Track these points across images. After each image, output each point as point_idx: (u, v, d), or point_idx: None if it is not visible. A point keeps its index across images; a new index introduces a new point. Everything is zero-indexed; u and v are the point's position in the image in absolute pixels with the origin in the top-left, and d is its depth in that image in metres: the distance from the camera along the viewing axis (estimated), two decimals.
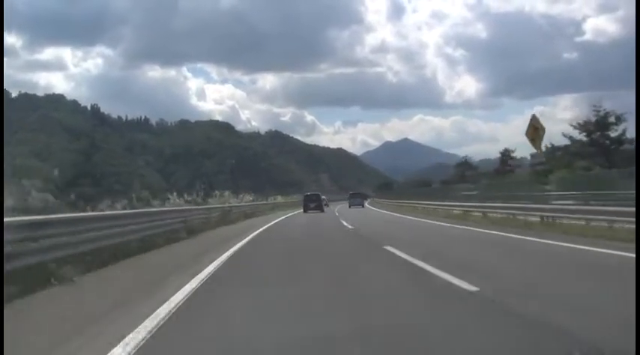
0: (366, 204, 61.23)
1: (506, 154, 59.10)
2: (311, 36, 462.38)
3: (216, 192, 35.87)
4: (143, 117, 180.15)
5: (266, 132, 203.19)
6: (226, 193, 36.72)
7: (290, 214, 37.47)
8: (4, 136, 8.88)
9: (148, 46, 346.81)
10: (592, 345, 3.84)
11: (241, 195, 41.93)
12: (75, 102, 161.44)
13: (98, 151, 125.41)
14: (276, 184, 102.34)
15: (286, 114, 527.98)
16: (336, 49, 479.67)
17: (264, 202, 48.93)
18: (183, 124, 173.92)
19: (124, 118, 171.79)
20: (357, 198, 60.32)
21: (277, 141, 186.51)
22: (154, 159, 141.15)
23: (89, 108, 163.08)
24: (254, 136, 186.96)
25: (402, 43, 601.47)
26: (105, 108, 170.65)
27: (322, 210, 42.03)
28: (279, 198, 59.31)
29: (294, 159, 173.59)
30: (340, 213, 36.53)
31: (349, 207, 55.17)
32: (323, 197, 50.08)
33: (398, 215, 33.11)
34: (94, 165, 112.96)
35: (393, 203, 52.03)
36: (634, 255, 8.11)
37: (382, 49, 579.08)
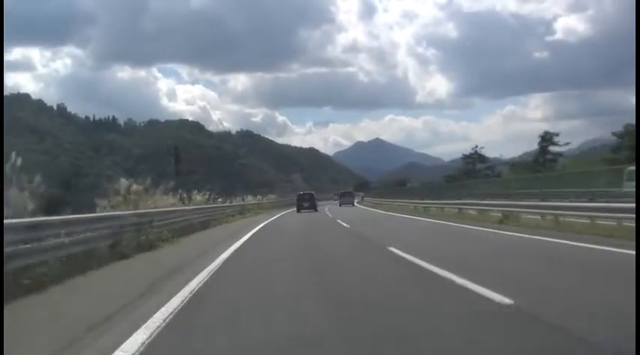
0: (355, 203, 63.12)
1: (547, 139, 57.53)
2: (282, 36, 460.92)
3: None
4: (111, 117, 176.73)
5: (237, 132, 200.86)
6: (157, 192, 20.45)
7: (265, 223, 25.86)
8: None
9: (118, 47, 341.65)
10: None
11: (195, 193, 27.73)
12: (40, 102, 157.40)
13: (64, 152, 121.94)
14: (248, 184, 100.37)
15: (258, 114, 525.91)
16: (307, 48, 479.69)
17: (227, 204, 34.57)
18: (153, 124, 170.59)
19: (91, 118, 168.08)
20: (347, 197, 62.48)
21: (248, 141, 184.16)
22: (122, 160, 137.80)
23: (55, 107, 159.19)
24: (225, 136, 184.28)
25: (374, 43, 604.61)
26: (73, 109, 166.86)
27: (316, 210, 41.77)
28: (250, 199, 47.88)
29: (265, 159, 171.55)
30: (341, 217, 28.57)
31: (340, 205, 56.81)
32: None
33: (429, 220, 23.53)
34: (59, 166, 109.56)
35: (394, 203, 45.70)
36: None
37: (353, 48, 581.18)
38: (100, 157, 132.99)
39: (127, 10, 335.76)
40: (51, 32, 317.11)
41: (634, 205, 10.68)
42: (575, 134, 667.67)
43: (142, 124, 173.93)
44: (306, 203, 43.42)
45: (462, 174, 68.96)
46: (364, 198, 74.42)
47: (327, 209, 43.68)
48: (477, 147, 73.21)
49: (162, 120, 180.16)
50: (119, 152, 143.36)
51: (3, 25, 8.15)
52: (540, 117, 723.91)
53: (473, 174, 66.99)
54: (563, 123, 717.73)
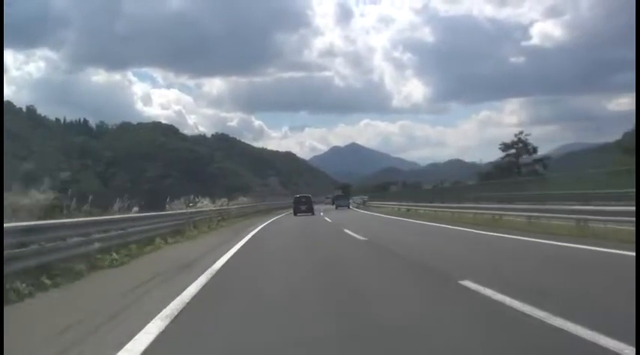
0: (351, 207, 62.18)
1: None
2: (258, 40, 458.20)
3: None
4: (82, 120, 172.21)
5: (212, 135, 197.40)
6: None
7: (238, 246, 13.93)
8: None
9: (93, 50, 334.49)
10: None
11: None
12: (9, 103, 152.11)
13: (32, 154, 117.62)
14: (224, 188, 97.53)
15: (234, 119, 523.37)
16: (283, 53, 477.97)
17: (179, 212, 20.96)
18: (125, 127, 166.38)
19: (62, 121, 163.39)
20: (343, 200, 62.02)
21: (224, 145, 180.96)
22: (92, 163, 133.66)
23: (24, 109, 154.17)
24: (200, 140, 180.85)
25: (350, 48, 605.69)
26: (45, 112, 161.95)
27: (312, 213, 41.26)
28: (207, 204, 30.46)
29: (242, 163, 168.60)
30: (355, 229, 19.08)
31: (336, 208, 56.84)
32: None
33: (476, 231, 16.54)
34: (27, 168, 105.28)
35: (402, 207, 39.57)
36: None
37: (330, 53, 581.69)
38: (70, 161, 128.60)
39: (101, 13, 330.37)
40: (24, 35, 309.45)
41: None
42: (550, 139, 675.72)
43: (114, 127, 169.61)
44: (303, 206, 42.40)
45: (504, 171, 54.26)
46: (366, 202, 62.95)
47: (322, 213, 40.17)
48: (521, 133, 58.17)
49: (135, 122, 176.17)
50: (90, 155, 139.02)
51: (3, 26, 8.06)
52: (516, 122, 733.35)
53: (516, 170, 54.35)
54: (538, 129, 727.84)
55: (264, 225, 25.73)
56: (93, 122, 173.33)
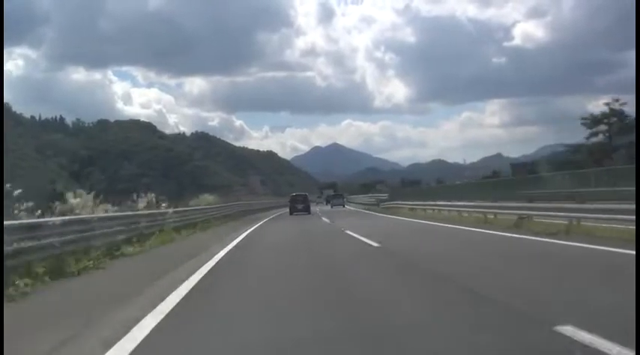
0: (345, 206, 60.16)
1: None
2: (239, 39, 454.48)
3: None
4: (58, 117, 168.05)
5: (192, 134, 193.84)
6: None
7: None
8: None
9: (73, 48, 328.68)
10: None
11: None
12: None
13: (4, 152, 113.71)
14: (202, 187, 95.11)
15: (214, 118, 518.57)
16: (265, 52, 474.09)
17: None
18: (102, 124, 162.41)
19: (37, 118, 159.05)
20: (338, 199, 61.55)
21: (204, 144, 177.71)
22: (67, 162, 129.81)
23: None
24: (179, 138, 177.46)
25: (332, 47, 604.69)
26: (22, 110, 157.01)
27: (309, 212, 40.54)
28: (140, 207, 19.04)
29: (221, 162, 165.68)
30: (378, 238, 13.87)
31: (331, 207, 56.22)
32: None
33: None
34: None
35: (417, 208, 31.51)
36: None
37: (311, 52, 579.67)
38: (44, 159, 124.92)
39: (81, 11, 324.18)
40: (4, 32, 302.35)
41: None
42: (532, 140, 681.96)
43: (91, 125, 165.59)
44: (300, 205, 41.96)
45: (592, 155, 40.12)
46: (383, 202, 45.27)
47: (328, 219, 31.24)
48: (617, 100, 42.52)
49: (112, 119, 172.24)
50: (64, 153, 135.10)
51: (3, 27, 8.33)
52: (497, 123, 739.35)
53: (610, 153, 39.56)
54: (520, 130, 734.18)
55: (242, 238, 17.02)
56: (70, 120, 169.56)
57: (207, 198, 35.27)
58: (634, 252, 7.86)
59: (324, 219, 29.77)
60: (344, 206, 58.16)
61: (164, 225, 17.98)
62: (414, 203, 34.04)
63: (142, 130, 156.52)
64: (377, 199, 48.97)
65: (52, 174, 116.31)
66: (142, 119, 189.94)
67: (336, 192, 68.86)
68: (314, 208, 48.11)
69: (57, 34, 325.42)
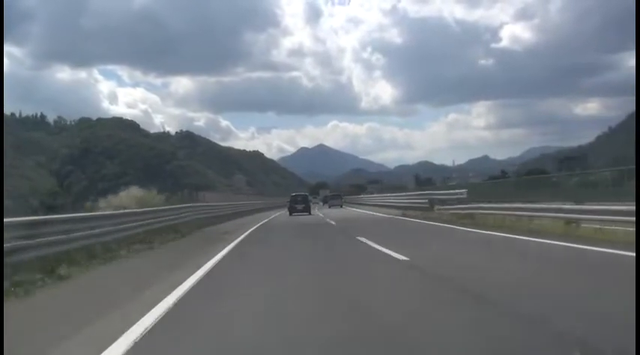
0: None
1: None
2: (227, 39, 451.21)
3: None
4: (39, 114, 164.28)
5: (177, 133, 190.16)
6: None
7: None
8: None
9: (58, 46, 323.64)
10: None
11: None
12: None
13: None
14: (186, 187, 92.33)
15: (200, 118, 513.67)
16: (252, 52, 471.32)
17: None
18: (84, 123, 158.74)
19: (17, 115, 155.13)
20: (336, 199, 62.39)
21: (189, 143, 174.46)
22: (47, 160, 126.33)
23: None
24: (163, 137, 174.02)
25: (319, 48, 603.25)
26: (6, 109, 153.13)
27: (310, 213, 38.65)
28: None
29: (206, 161, 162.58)
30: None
31: (329, 207, 56.18)
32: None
33: None
34: None
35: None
36: None
37: (299, 53, 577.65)
38: (22, 157, 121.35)
39: (66, 9, 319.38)
40: None
41: None
42: (518, 143, 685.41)
43: (73, 123, 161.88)
44: (300, 205, 40.09)
45: None
46: (437, 207, 29.30)
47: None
48: None
49: (95, 117, 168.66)
50: (45, 152, 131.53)
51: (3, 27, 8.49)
52: (484, 125, 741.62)
53: None
54: (506, 132, 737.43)
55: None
56: (51, 118, 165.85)
57: (126, 197, 21.28)
58: None
59: (361, 239, 13.74)
60: (342, 206, 58.48)
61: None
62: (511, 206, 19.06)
63: (125, 128, 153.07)
64: (430, 199, 30.96)
65: (32, 172, 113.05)
66: (125, 117, 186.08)
67: (334, 194, 71.07)
68: (317, 212, 42.75)
69: (42, 31, 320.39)
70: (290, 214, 38.37)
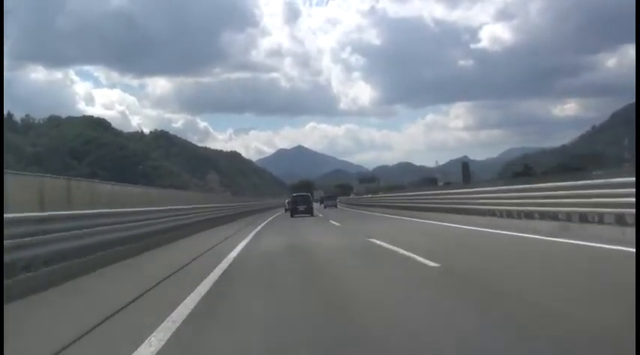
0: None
1: None
2: (204, 39, 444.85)
3: None
4: (6, 113, 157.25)
5: (151, 132, 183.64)
6: None
7: None
8: None
9: (32, 47, 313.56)
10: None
11: None
12: None
13: None
14: (156, 187, 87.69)
15: (178, 120, 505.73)
16: (230, 53, 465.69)
17: None
18: (53, 121, 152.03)
19: None
20: (331, 200, 67.65)
21: (163, 143, 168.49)
22: (13, 161, 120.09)
23: None
24: (136, 136, 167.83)
25: (298, 49, 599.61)
26: None
27: (312, 214, 36.29)
28: None
29: (181, 161, 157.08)
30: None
31: (324, 207, 58.84)
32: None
33: None
34: None
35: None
36: None
37: (277, 53, 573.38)
38: None
39: (41, 8, 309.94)
40: None
41: None
42: (496, 144, 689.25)
43: (42, 122, 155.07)
44: (302, 206, 37.15)
45: None
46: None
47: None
48: None
49: (64, 115, 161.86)
50: (10, 151, 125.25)
51: (3, 27, 8.21)
52: (462, 126, 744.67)
53: None
54: (484, 133, 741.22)
55: None
56: (18, 116, 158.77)
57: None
58: None
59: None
60: (336, 206, 62.30)
61: None
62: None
63: (96, 127, 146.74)
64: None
65: None
66: (96, 115, 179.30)
67: (330, 195, 78.74)
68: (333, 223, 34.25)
69: (15, 31, 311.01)
70: (292, 216, 36.01)
